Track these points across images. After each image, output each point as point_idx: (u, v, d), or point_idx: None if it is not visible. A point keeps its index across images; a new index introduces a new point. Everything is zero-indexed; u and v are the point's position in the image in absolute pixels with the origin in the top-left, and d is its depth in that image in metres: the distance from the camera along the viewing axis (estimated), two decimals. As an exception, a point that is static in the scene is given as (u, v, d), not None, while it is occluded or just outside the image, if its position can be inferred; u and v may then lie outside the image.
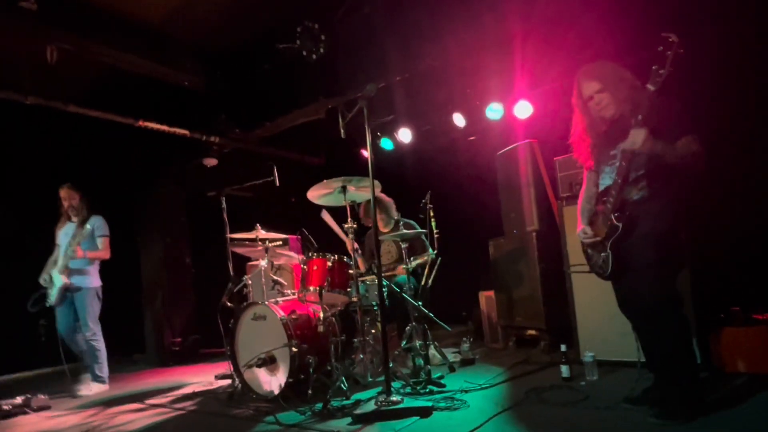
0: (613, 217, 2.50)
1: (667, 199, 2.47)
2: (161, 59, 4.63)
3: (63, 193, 4.51)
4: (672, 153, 2.36)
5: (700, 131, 2.40)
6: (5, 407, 3.81)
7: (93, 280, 4.51)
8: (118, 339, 4.94)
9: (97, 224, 4.47)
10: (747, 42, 3.46)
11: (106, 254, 4.53)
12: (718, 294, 3.36)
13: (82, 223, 4.39)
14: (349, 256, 3.78)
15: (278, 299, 3.79)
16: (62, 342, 4.45)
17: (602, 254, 2.60)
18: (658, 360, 2.60)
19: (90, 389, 4.41)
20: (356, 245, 4.00)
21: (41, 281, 4.45)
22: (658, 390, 2.61)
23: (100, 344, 4.50)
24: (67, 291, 4.38)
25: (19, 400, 3.89)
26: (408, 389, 3.33)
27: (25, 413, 3.85)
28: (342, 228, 3.91)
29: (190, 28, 4.56)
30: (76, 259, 4.35)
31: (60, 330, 4.45)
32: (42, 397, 4.02)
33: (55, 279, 4.36)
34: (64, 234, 4.49)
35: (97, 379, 4.50)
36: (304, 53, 4.09)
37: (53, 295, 4.37)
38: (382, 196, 4.60)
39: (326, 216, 4.19)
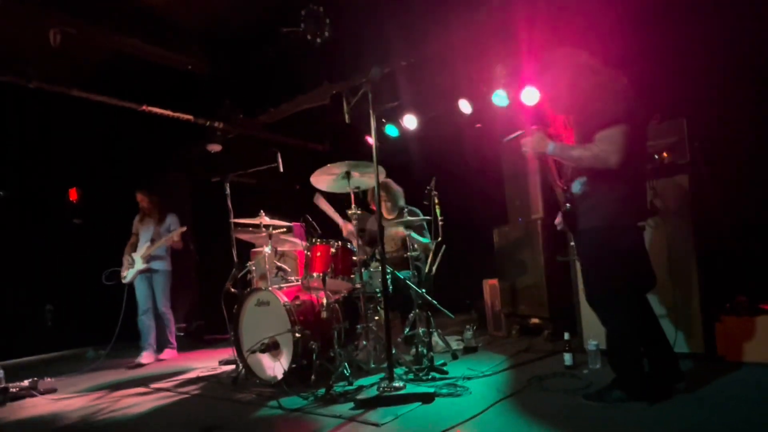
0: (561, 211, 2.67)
1: (598, 196, 2.48)
2: (165, 43, 4.60)
3: (138, 196, 5.35)
4: (567, 154, 2.52)
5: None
6: (12, 390, 3.86)
7: (168, 265, 5.40)
8: (123, 324, 5.01)
9: (172, 221, 5.33)
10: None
11: (180, 244, 5.30)
12: (725, 283, 3.33)
13: (159, 223, 5.28)
14: (346, 241, 3.76)
15: (282, 285, 3.79)
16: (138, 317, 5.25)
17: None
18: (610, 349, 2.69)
19: (165, 354, 5.30)
20: (350, 227, 3.97)
21: (124, 260, 5.30)
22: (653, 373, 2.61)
23: (172, 316, 5.47)
24: (142, 273, 5.23)
25: (26, 382, 3.94)
26: (411, 376, 3.34)
27: (32, 396, 3.90)
28: (346, 214, 3.86)
29: (194, 11, 4.53)
30: (163, 246, 5.25)
31: (139, 303, 5.25)
32: (48, 380, 4.07)
33: (137, 262, 5.23)
34: (146, 230, 5.31)
35: (168, 345, 5.39)
36: (309, 37, 4.03)
37: (130, 274, 5.23)
38: (392, 182, 4.56)
39: (320, 200, 4.17)
